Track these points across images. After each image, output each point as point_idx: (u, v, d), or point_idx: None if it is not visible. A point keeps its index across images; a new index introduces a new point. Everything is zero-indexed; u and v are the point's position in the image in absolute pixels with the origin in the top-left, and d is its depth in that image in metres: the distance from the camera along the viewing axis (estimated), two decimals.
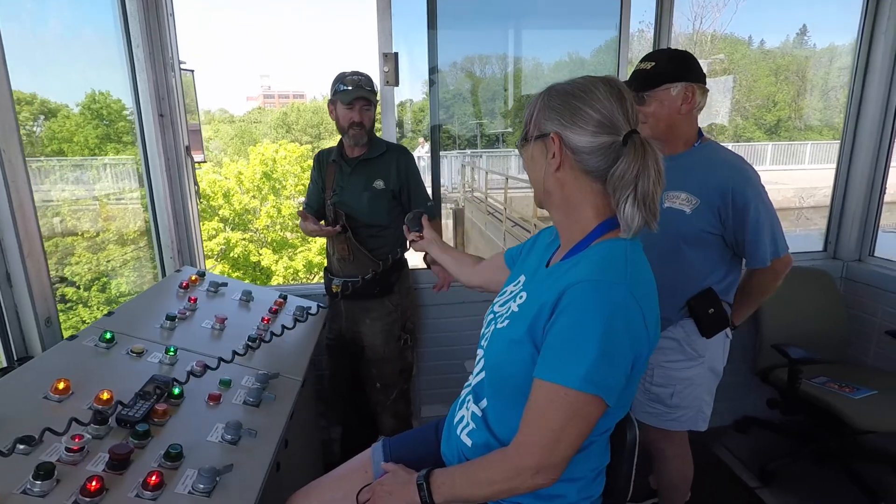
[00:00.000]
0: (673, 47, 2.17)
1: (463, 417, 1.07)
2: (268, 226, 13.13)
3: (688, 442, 1.77)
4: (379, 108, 2.16)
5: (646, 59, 1.55)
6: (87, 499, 0.87)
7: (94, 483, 0.88)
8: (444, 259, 1.43)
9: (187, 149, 2.12)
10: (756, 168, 1.54)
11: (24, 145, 1.26)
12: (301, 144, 16.73)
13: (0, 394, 1.05)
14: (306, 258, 12.39)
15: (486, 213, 10.10)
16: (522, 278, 1.08)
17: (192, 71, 2.24)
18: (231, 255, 12.00)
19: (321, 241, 12.78)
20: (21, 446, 0.93)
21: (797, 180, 14.23)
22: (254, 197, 13.39)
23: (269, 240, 13.01)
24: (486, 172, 11.03)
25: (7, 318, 1.27)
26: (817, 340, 2.41)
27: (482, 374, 1.03)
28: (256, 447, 1.15)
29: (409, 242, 1.51)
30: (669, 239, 1.51)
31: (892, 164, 2.54)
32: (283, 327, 1.69)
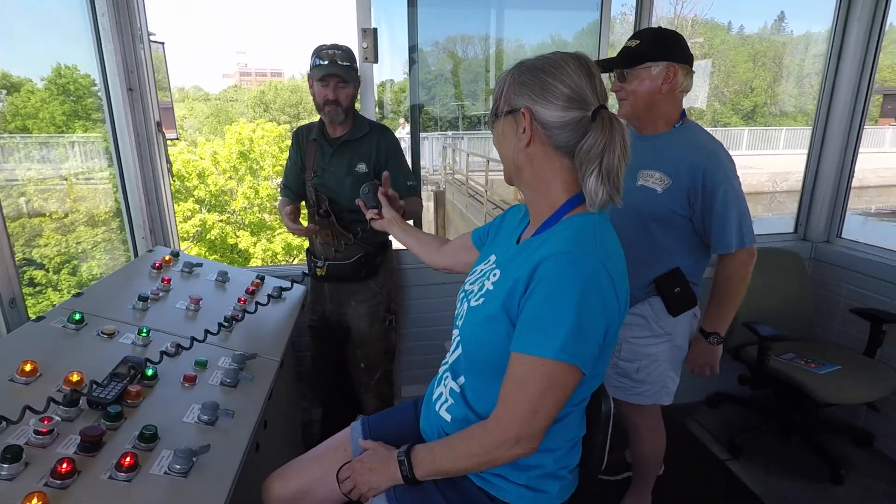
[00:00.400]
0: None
1: (441, 394, 1.08)
2: (245, 207, 12.89)
3: (660, 416, 1.81)
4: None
5: (633, 36, 1.56)
6: (58, 481, 0.86)
7: (65, 465, 0.87)
8: (407, 241, 1.42)
9: (158, 125, 2.06)
10: (732, 153, 1.55)
11: None
12: (279, 124, 16.40)
13: None
14: (285, 240, 12.22)
15: (468, 196, 10.07)
16: (493, 257, 1.08)
17: (163, 44, 2.16)
18: (207, 237, 11.78)
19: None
20: None
21: (771, 165, 14.52)
22: (230, 178, 13.12)
23: (246, 222, 12.79)
24: (468, 154, 10.97)
25: None
26: (786, 318, 2.48)
27: (458, 352, 1.04)
28: (234, 428, 1.14)
29: (369, 221, 1.46)
30: (640, 217, 1.54)
31: (861, 150, 2.60)
32: (258, 304, 1.67)
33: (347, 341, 2.12)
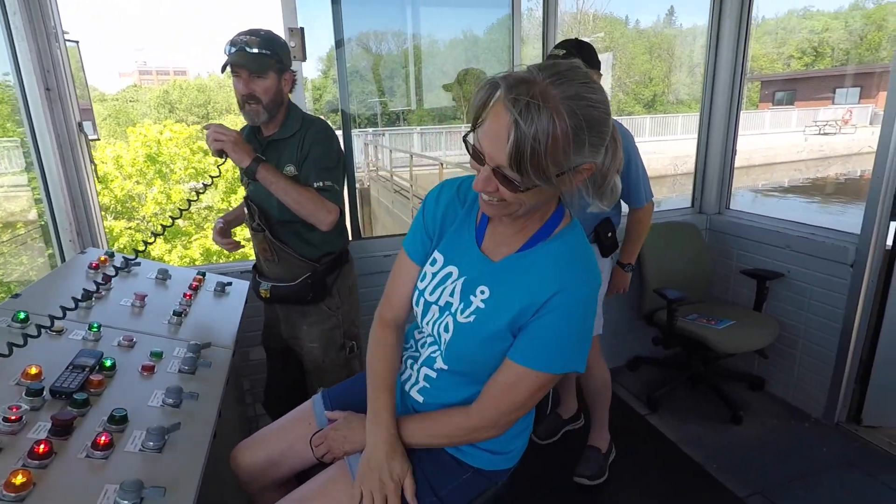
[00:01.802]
0: (559, 27, 2.56)
1: (411, 376, 1.15)
2: (156, 213, 12.17)
3: (599, 350, 2.12)
4: None
5: (559, 46, 1.89)
6: (36, 461, 0.89)
7: (41, 447, 0.90)
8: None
9: (80, 125, 2.00)
10: (636, 139, 1.93)
11: None
12: (188, 125, 15.59)
13: None
14: (203, 245, 11.69)
15: (393, 192, 10.15)
16: (441, 258, 1.06)
17: (77, 42, 2.10)
18: (114, 245, 11.05)
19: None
20: None
21: (672, 150, 15.76)
22: (137, 182, 12.33)
23: (158, 228, 12.10)
24: (391, 151, 11.03)
25: None
26: (689, 283, 2.82)
27: (437, 356, 1.09)
28: (199, 408, 1.19)
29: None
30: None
31: (743, 132, 2.99)
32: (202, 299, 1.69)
33: (303, 368, 1.90)
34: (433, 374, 1.11)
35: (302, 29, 2.12)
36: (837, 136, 19.90)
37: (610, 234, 1.98)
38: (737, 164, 3.01)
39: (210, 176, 1.64)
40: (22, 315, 1.26)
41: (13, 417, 0.95)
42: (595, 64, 1.86)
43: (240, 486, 1.31)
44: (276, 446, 1.25)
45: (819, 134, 20.09)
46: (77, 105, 1.99)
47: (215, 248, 11.51)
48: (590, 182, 0.88)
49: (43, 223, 2.03)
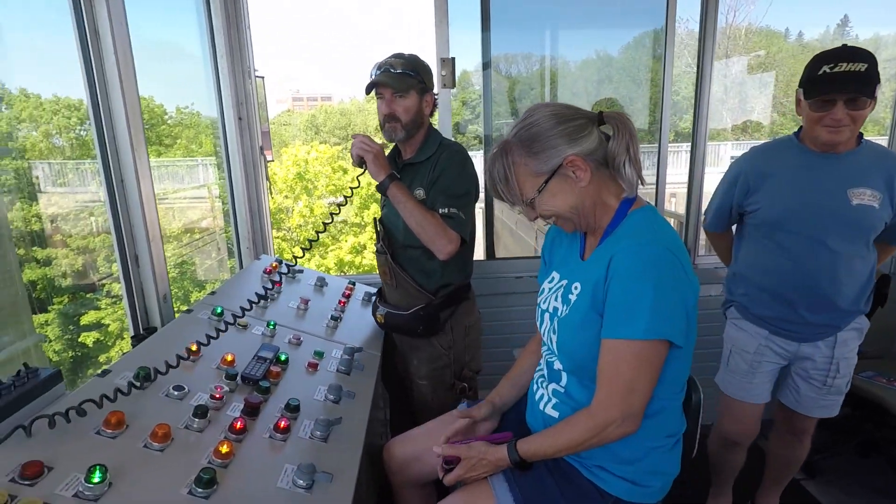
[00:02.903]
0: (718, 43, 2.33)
1: (543, 395, 1.19)
2: (300, 224, 13.50)
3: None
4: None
5: (850, 59, 1.42)
6: (234, 435, 1.05)
7: (239, 424, 1.06)
8: (516, 394, 1.36)
9: (261, 149, 2.32)
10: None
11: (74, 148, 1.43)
12: (331, 146, 17.11)
13: (146, 354, 1.25)
14: (337, 256, 12.72)
15: (518, 213, 10.18)
16: (556, 275, 1.19)
17: (263, 77, 2.44)
18: None
19: (353, 241, 13.11)
20: (175, 392, 1.12)
21: None
22: (286, 196, 13.78)
23: (301, 238, 13.35)
24: None
25: (135, 294, 1.47)
26: (867, 334, 2.47)
27: (553, 363, 1.15)
28: (355, 406, 1.32)
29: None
30: (860, 233, 1.55)
31: None
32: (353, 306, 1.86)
33: (413, 400, 1.82)
34: (561, 389, 1.14)
35: (453, 59, 2.27)
36: None
37: (887, 291, 1.74)
38: None
39: (350, 188, 1.71)
40: (219, 310, 1.50)
41: (217, 396, 1.13)
42: None
43: (387, 476, 1.43)
44: (423, 444, 1.34)
45: None
46: (260, 131, 2.32)
47: (347, 258, 12.45)
48: (603, 163, 1.05)
49: (228, 232, 2.37)
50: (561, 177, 1.04)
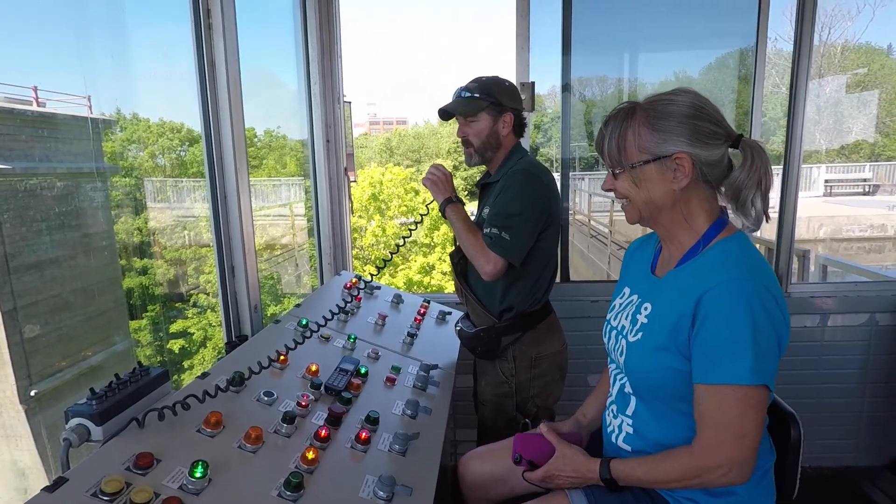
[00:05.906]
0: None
1: (614, 429, 1.15)
2: (373, 244, 13.91)
3: None
4: None
5: None
6: (319, 443, 1.10)
7: (323, 432, 1.11)
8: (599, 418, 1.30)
9: (345, 170, 2.44)
10: None
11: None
12: (404, 168, 17.61)
13: (238, 361, 1.33)
14: (406, 276, 12.97)
15: (589, 236, 9.98)
16: (628, 290, 1.16)
17: (350, 102, 2.58)
18: None
19: (422, 261, 13.33)
20: (265, 397, 1.18)
21: None
22: (360, 216, 14.28)
23: (372, 257, 13.75)
24: (590, 195, 10.93)
25: (230, 304, 1.58)
26: None
27: (624, 385, 1.11)
28: (431, 422, 1.34)
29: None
30: None
31: None
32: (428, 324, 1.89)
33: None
34: (630, 421, 1.09)
35: (533, 83, 2.29)
36: None
37: None
38: None
39: (420, 214, 1.78)
40: (304, 321, 1.57)
41: (304, 403, 1.18)
42: None
43: (462, 494, 1.41)
44: (503, 463, 1.30)
45: None
46: (345, 153, 2.43)
47: (416, 277, 12.66)
48: (729, 194, 1.00)
49: (309, 249, 2.49)
50: (661, 166, 0.99)
